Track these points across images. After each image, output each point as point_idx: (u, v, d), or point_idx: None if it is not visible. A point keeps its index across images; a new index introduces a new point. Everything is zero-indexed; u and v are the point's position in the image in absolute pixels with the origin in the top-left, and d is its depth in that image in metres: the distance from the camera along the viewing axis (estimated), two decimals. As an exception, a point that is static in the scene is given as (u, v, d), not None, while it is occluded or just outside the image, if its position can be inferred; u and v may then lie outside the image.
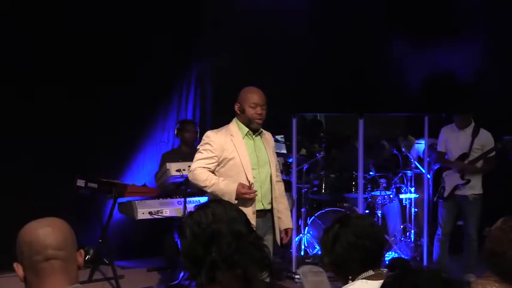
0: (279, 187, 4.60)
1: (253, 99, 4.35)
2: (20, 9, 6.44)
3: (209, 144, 4.38)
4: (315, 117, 9.19)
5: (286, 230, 4.54)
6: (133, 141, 7.19)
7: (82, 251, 2.14)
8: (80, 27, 6.67)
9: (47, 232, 2.05)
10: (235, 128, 4.42)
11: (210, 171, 4.37)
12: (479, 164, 6.24)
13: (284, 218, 4.54)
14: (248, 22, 7.49)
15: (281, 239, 4.54)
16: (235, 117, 4.46)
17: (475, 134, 6.27)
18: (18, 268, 2.06)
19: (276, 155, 4.66)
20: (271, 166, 4.44)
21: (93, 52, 6.73)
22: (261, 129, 4.50)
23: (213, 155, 4.35)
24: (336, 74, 7.83)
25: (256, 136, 4.46)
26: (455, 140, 6.36)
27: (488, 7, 7.79)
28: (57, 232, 2.07)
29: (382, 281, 2.37)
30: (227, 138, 4.37)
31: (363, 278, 2.48)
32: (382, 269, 2.54)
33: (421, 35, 7.97)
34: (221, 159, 4.36)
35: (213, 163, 4.36)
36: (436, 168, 6.66)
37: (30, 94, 6.53)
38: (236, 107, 4.41)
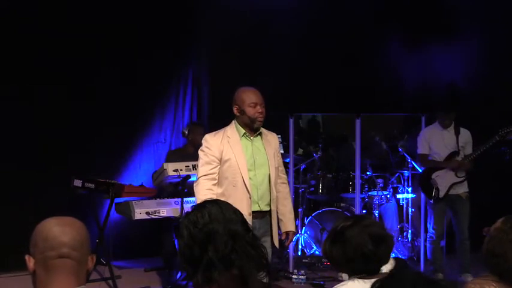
0: (283, 189, 4.57)
1: (251, 98, 4.33)
2: (17, 7, 6.44)
3: (208, 148, 4.38)
4: (313, 118, 9.19)
5: (287, 233, 4.52)
6: (130, 141, 7.20)
7: (94, 256, 2.13)
8: (79, 28, 6.68)
9: (65, 230, 2.04)
10: (233, 129, 4.39)
11: (213, 177, 4.35)
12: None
13: (286, 220, 4.52)
14: (245, 22, 7.50)
15: (282, 241, 4.54)
16: (234, 119, 4.43)
17: (457, 132, 6.30)
18: (29, 260, 2.03)
19: (280, 156, 4.62)
20: (270, 167, 4.39)
21: (91, 52, 6.74)
22: (261, 130, 4.46)
23: (213, 158, 4.34)
24: (333, 74, 7.84)
25: (255, 137, 4.42)
26: (440, 140, 6.34)
27: (485, 8, 7.81)
28: (74, 232, 2.06)
29: (374, 280, 2.38)
30: (224, 140, 4.36)
31: (356, 278, 2.48)
32: None
33: (417, 36, 7.99)
34: (220, 160, 4.36)
35: (215, 167, 4.35)
36: (422, 170, 6.63)
37: (29, 94, 6.53)
38: (235, 109, 4.37)
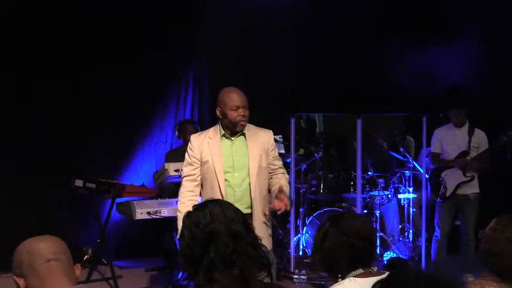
0: (282, 176, 4.34)
1: (234, 102, 4.22)
2: (17, 7, 6.44)
3: (190, 149, 4.33)
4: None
5: (279, 192, 4.11)
6: (131, 141, 7.20)
7: (78, 265, 2.20)
8: (79, 28, 6.68)
9: (46, 242, 2.13)
10: (216, 130, 4.33)
11: (194, 178, 4.28)
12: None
13: (278, 184, 4.20)
14: (245, 22, 7.50)
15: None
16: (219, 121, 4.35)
17: (471, 132, 6.29)
18: (19, 280, 2.09)
19: (274, 153, 4.39)
20: (250, 169, 4.22)
21: (91, 52, 6.74)
22: (246, 130, 4.30)
23: (194, 159, 4.28)
24: (334, 74, 7.83)
25: (236, 137, 4.31)
26: (451, 139, 6.36)
27: (485, 8, 7.81)
28: (56, 242, 2.15)
29: (370, 279, 2.39)
30: (205, 140, 4.29)
31: (352, 276, 2.49)
32: (372, 267, 2.54)
33: (417, 36, 7.98)
34: (200, 161, 4.30)
35: (196, 168, 4.29)
36: (432, 168, 6.64)
37: (29, 94, 6.53)
38: (218, 112, 4.28)
